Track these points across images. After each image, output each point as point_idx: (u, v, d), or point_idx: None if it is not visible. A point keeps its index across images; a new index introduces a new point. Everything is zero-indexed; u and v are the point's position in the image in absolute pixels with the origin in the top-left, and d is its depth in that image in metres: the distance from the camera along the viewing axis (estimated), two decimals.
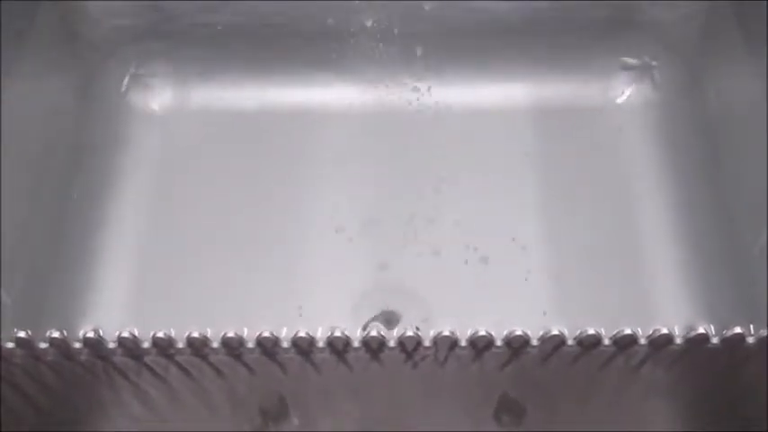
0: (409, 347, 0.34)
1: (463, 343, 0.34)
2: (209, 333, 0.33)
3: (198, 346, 0.34)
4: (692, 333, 0.33)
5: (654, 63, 0.55)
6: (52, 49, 0.52)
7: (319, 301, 0.48)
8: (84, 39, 0.54)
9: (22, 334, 0.33)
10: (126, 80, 0.56)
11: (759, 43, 0.47)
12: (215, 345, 0.34)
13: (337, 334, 0.33)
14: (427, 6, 0.54)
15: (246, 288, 0.49)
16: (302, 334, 0.33)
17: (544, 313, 0.48)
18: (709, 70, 0.53)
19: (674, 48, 0.55)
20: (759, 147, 0.46)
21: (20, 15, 0.48)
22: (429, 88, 0.57)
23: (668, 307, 0.48)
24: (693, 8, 0.53)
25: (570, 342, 0.34)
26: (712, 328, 0.33)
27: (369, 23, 0.55)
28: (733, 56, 0.50)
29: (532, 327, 0.34)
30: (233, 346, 0.34)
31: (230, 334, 0.33)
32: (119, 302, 0.49)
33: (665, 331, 0.33)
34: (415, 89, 0.57)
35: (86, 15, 0.54)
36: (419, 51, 0.56)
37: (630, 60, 0.56)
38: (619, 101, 0.56)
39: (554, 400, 0.38)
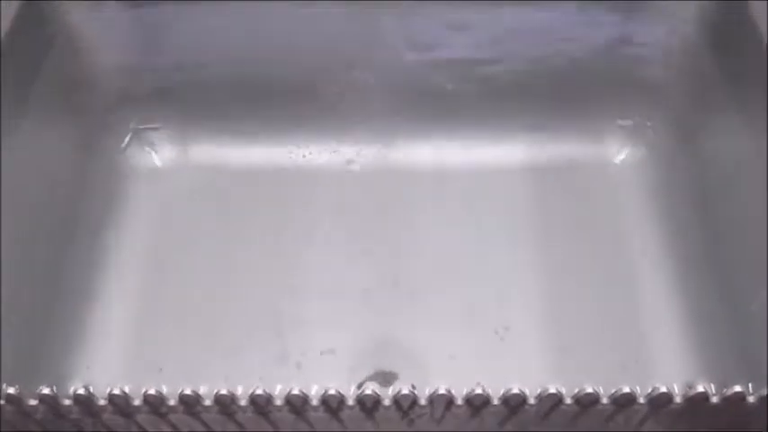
0: (405, 406, 0.34)
1: (459, 401, 0.33)
2: (201, 391, 0.33)
3: (190, 404, 0.33)
4: (692, 392, 0.33)
5: (649, 123, 0.56)
6: (54, 106, 0.52)
7: (315, 361, 0.48)
8: (86, 96, 0.55)
9: (11, 390, 0.32)
10: (128, 137, 0.57)
11: (743, 96, 0.48)
12: (207, 402, 0.33)
13: (332, 392, 0.33)
14: (428, 73, 0.55)
15: (242, 346, 0.48)
16: (296, 392, 0.33)
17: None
18: (702, 128, 0.53)
19: (668, 107, 0.55)
20: (756, 203, 0.46)
21: (22, 72, 0.49)
22: (426, 149, 0.57)
23: (667, 363, 0.47)
24: (684, 68, 0.54)
25: (568, 400, 0.33)
26: (712, 386, 0.33)
27: (369, 82, 0.56)
28: (724, 113, 0.51)
29: (531, 384, 0.34)
30: (225, 404, 0.33)
31: (223, 392, 0.33)
32: (115, 356, 0.48)
33: (664, 390, 0.32)
34: (412, 150, 0.57)
35: (88, 73, 0.55)
36: (417, 113, 0.56)
37: (625, 121, 0.56)
38: (615, 159, 0.56)
39: None
